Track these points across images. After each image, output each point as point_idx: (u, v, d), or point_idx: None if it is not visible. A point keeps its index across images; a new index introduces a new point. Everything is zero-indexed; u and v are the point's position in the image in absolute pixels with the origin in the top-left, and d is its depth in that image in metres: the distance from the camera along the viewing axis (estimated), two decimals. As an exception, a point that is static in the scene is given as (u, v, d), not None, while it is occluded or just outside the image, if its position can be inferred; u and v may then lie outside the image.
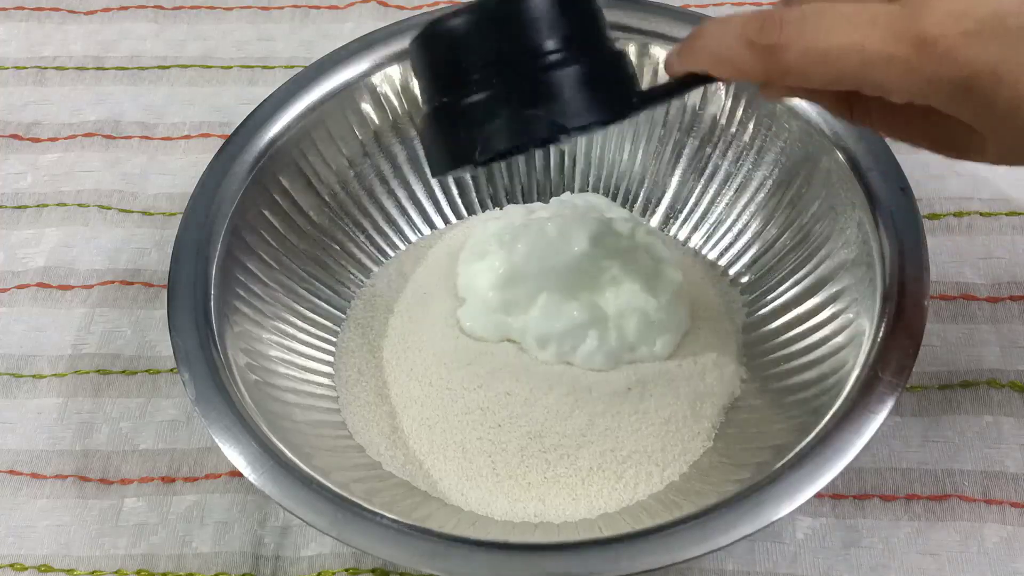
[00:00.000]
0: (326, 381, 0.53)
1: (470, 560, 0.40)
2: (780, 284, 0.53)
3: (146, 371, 0.56)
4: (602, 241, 0.51)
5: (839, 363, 0.46)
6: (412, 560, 0.40)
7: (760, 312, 0.53)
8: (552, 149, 0.59)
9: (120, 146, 0.65)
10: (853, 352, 0.45)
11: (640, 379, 0.49)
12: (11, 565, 0.50)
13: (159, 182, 0.64)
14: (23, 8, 0.73)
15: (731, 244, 0.56)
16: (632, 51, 0.56)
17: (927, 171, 0.60)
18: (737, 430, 0.49)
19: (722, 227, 0.56)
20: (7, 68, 0.70)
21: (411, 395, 0.51)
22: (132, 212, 0.62)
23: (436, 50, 0.40)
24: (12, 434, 0.54)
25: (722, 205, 0.56)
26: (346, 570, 0.50)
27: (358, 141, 0.56)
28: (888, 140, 0.49)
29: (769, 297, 0.53)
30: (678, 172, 0.57)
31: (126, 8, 0.73)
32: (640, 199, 0.58)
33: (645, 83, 0.56)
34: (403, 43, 0.56)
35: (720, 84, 0.54)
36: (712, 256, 0.56)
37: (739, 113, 0.55)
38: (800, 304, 0.51)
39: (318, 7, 0.72)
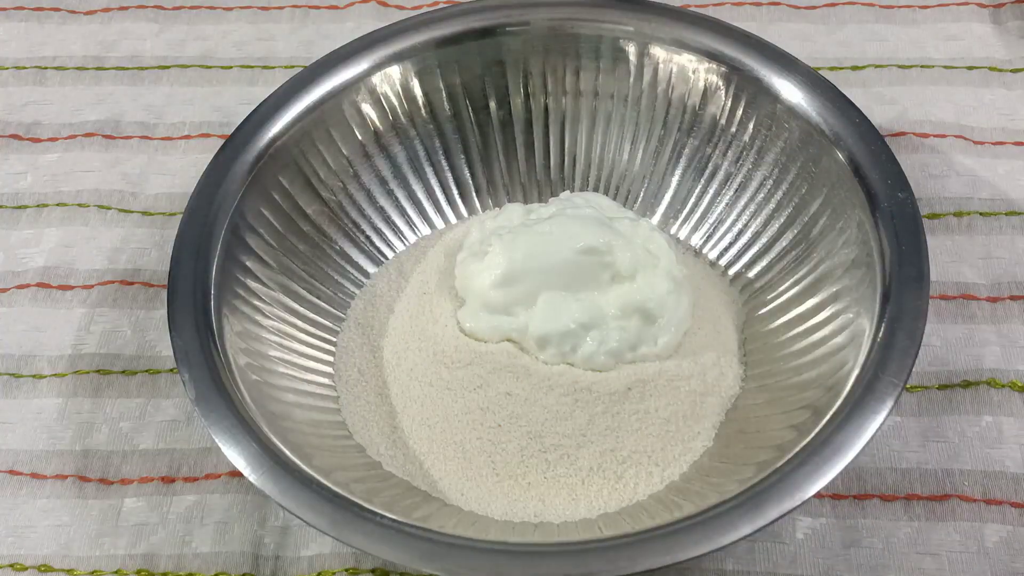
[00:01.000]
0: (326, 381, 0.53)
1: (470, 560, 0.40)
2: (780, 284, 0.53)
3: (146, 371, 0.56)
4: (602, 239, 0.51)
5: (839, 363, 0.46)
6: (412, 560, 0.40)
7: (760, 312, 0.53)
8: (552, 148, 0.59)
9: (120, 146, 0.65)
10: (853, 352, 0.45)
11: (640, 379, 0.49)
12: (11, 565, 0.50)
13: (159, 182, 0.64)
14: (23, 8, 0.73)
15: (731, 244, 0.56)
16: (632, 51, 0.56)
17: (927, 171, 0.60)
18: (737, 430, 0.49)
19: (722, 227, 0.56)
20: (7, 68, 0.70)
21: (411, 395, 0.51)
22: (132, 212, 0.62)
23: None
24: (12, 434, 0.54)
25: (722, 205, 0.56)
26: (346, 570, 0.50)
27: (358, 141, 0.56)
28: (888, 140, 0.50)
29: (769, 297, 0.53)
30: (678, 172, 0.57)
31: (126, 8, 0.73)
32: (640, 199, 0.58)
33: (644, 81, 0.56)
34: (403, 43, 0.56)
35: (720, 84, 0.54)
36: (712, 256, 0.56)
37: (739, 113, 0.55)
38: (800, 304, 0.51)
39: (318, 7, 0.72)
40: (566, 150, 0.59)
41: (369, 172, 0.57)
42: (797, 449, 0.42)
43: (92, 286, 0.59)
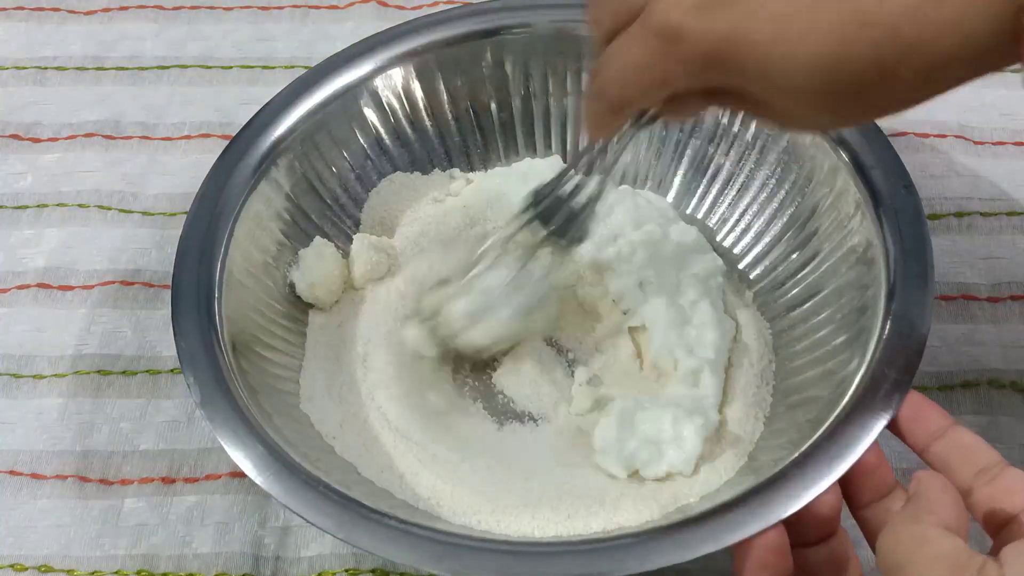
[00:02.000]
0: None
1: (476, 561, 0.40)
2: (784, 282, 0.53)
3: (146, 371, 0.56)
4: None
5: (844, 361, 0.46)
6: (420, 561, 0.40)
7: (764, 310, 0.53)
8: (554, 149, 0.59)
9: (120, 146, 0.65)
10: (859, 351, 0.45)
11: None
12: (11, 566, 0.50)
13: (159, 182, 0.63)
14: (23, 8, 0.73)
15: (734, 244, 0.56)
16: None
17: (927, 171, 0.60)
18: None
19: (725, 227, 0.56)
20: (7, 68, 0.70)
21: (399, 434, 0.50)
22: (132, 212, 0.62)
23: None
24: (12, 434, 0.54)
25: (724, 205, 0.56)
26: (346, 570, 0.50)
27: (360, 143, 0.56)
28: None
29: (773, 295, 0.53)
30: (680, 172, 0.57)
31: (126, 8, 0.73)
32: None
33: None
34: (406, 45, 0.56)
35: None
36: None
37: (741, 113, 0.55)
38: (804, 303, 0.51)
39: (318, 7, 0.72)
40: (567, 151, 0.59)
41: (373, 173, 0.57)
42: (804, 448, 0.42)
43: (92, 286, 0.59)
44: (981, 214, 0.59)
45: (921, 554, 0.34)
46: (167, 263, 0.59)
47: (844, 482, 0.41)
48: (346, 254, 0.55)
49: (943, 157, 0.61)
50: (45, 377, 0.56)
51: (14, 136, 0.66)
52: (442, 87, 0.57)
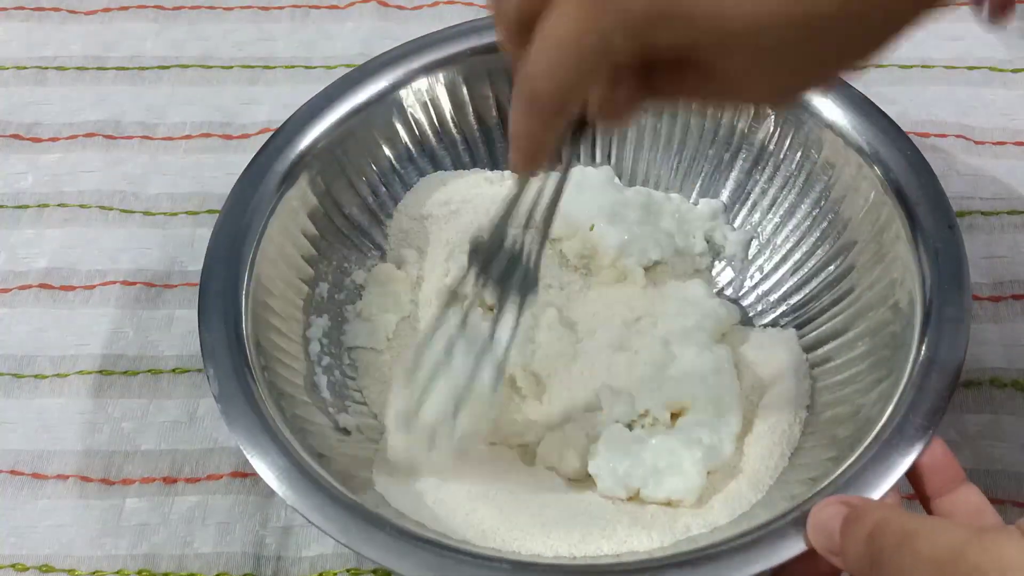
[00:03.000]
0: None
1: (481, 574, 0.40)
2: (819, 315, 0.52)
3: (148, 371, 0.56)
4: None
5: (873, 400, 0.45)
6: (422, 573, 0.40)
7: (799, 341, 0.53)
8: (598, 160, 0.59)
9: (121, 146, 0.65)
10: (887, 391, 0.44)
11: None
12: (12, 565, 0.50)
13: (160, 182, 0.63)
14: (23, 8, 0.73)
15: (772, 271, 0.55)
16: None
17: (928, 171, 0.60)
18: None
19: (763, 255, 0.55)
20: (7, 68, 0.70)
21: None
22: (134, 212, 0.62)
23: None
24: (14, 434, 0.54)
25: (766, 233, 0.55)
26: (347, 570, 0.50)
27: (402, 144, 0.56)
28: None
29: (807, 327, 0.52)
30: (724, 194, 0.57)
31: (126, 8, 0.73)
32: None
33: None
34: (452, 49, 0.56)
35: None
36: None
37: (787, 141, 0.54)
38: (836, 338, 0.50)
39: (318, 7, 0.72)
40: (611, 164, 0.59)
41: (414, 175, 0.57)
42: (826, 483, 0.41)
43: (94, 286, 0.59)
44: (982, 213, 0.59)
45: None
46: (168, 263, 0.60)
47: (912, 476, 0.41)
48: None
49: (944, 156, 0.61)
50: (47, 377, 0.56)
51: (15, 136, 0.66)
52: (489, 92, 0.57)
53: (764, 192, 0.55)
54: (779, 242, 0.55)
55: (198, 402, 0.55)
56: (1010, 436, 0.51)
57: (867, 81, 0.65)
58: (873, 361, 0.47)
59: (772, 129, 0.55)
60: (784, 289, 0.54)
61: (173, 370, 0.56)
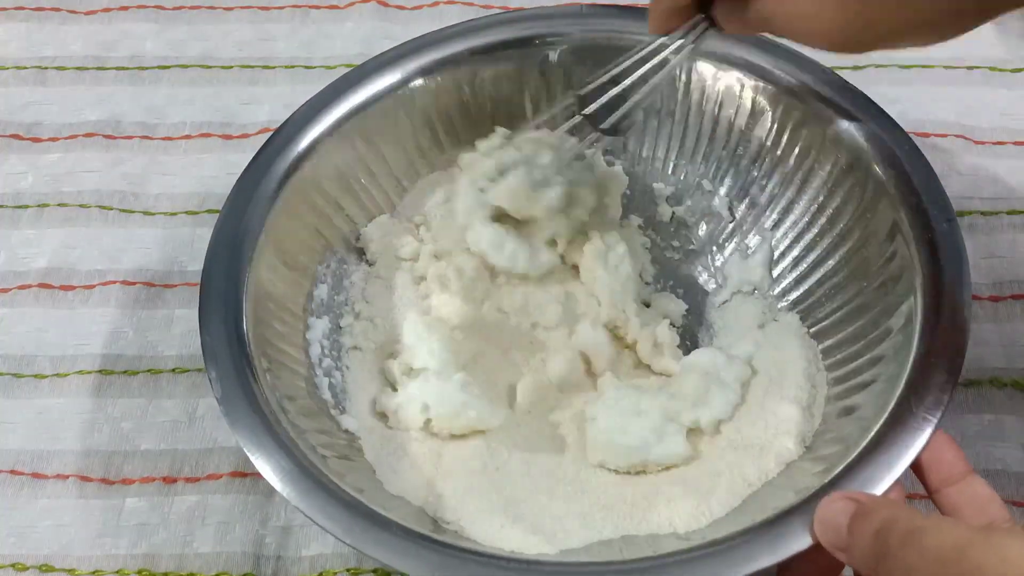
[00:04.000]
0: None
1: (484, 574, 0.40)
2: (819, 311, 0.52)
3: (148, 371, 0.56)
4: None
5: (876, 393, 0.45)
6: (426, 573, 0.40)
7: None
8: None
9: (121, 146, 0.65)
10: (890, 384, 0.44)
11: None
12: (12, 565, 0.50)
13: (160, 182, 0.63)
14: (23, 8, 0.73)
15: (772, 268, 0.55)
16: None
17: (928, 171, 0.60)
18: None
19: (763, 248, 0.55)
20: (7, 68, 0.70)
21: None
22: (133, 212, 0.62)
23: None
24: (13, 434, 0.54)
25: (765, 228, 0.56)
26: (348, 570, 0.50)
27: (401, 146, 0.56)
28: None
29: (808, 323, 0.52)
30: (722, 191, 0.57)
31: (126, 8, 0.73)
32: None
33: (692, 99, 0.56)
34: (448, 50, 0.56)
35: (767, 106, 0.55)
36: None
37: (785, 137, 0.54)
38: (839, 331, 0.50)
39: (318, 7, 0.72)
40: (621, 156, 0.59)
41: (412, 177, 0.57)
42: (829, 479, 0.41)
43: (93, 286, 0.59)
44: (982, 213, 0.59)
45: None
46: (168, 263, 0.60)
47: (917, 467, 0.41)
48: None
49: (944, 156, 0.61)
50: (46, 377, 0.56)
51: (14, 136, 0.66)
52: (484, 92, 0.57)
53: (762, 188, 0.55)
54: (777, 238, 0.55)
55: (198, 402, 0.55)
56: (1010, 436, 0.51)
57: (867, 81, 0.65)
58: (874, 355, 0.47)
59: (770, 126, 0.55)
60: (783, 285, 0.54)
61: (173, 370, 0.56)
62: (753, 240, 0.56)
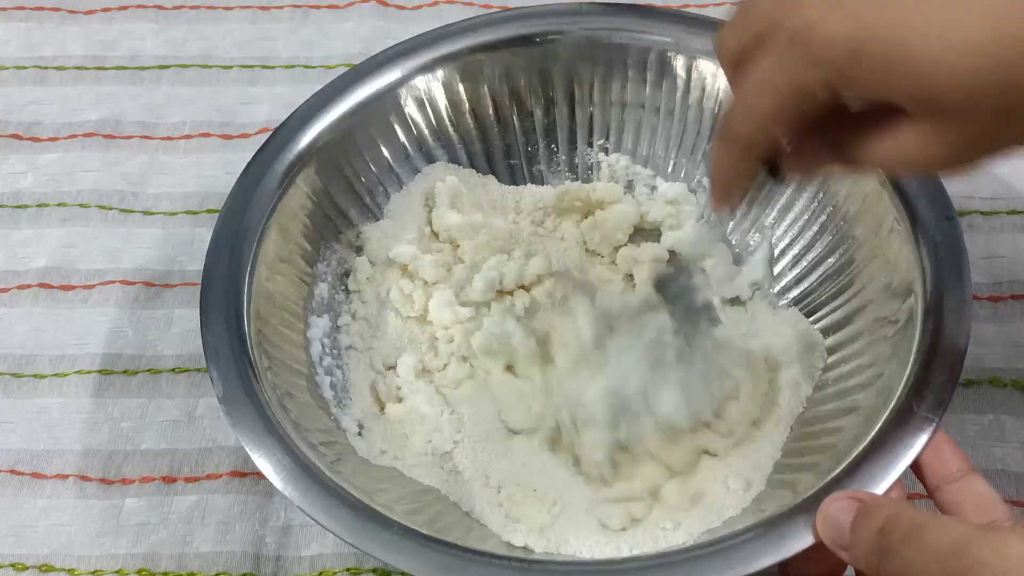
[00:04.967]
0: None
1: (486, 572, 0.40)
2: (821, 308, 0.52)
3: (147, 371, 0.56)
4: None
5: (876, 392, 0.45)
6: (427, 572, 0.40)
7: None
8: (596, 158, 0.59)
9: (120, 146, 0.65)
10: (890, 383, 0.44)
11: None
12: (12, 565, 0.50)
13: (160, 182, 0.63)
14: (23, 8, 0.73)
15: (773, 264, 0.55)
16: (679, 64, 0.56)
17: (928, 170, 0.60)
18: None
19: (763, 246, 0.55)
20: (7, 68, 0.70)
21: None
22: (133, 212, 0.62)
23: None
24: (13, 434, 0.54)
25: (763, 227, 0.56)
26: (347, 570, 0.50)
27: (400, 144, 0.56)
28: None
29: (809, 320, 0.52)
30: None
31: (126, 8, 0.73)
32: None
33: (692, 97, 0.56)
34: (450, 47, 0.56)
35: None
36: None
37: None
38: (840, 329, 0.50)
39: (318, 7, 0.72)
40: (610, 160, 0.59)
41: (410, 175, 0.57)
42: (829, 478, 0.41)
43: (93, 286, 0.59)
44: (981, 213, 0.59)
45: None
46: (168, 262, 0.60)
47: (917, 465, 0.41)
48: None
49: (943, 156, 0.61)
50: (46, 377, 0.56)
51: (14, 136, 0.66)
52: (486, 90, 0.57)
53: (759, 189, 0.55)
54: (778, 236, 0.55)
55: (197, 401, 0.55)
56: (1010, 436, 0.51)
57: (867, 81, 0.65)
58: (875, 353, 0.47)
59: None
60: (784, 283, 0.54)
61: (172, 370, 0.56)
62: (753, 238, 0.56)
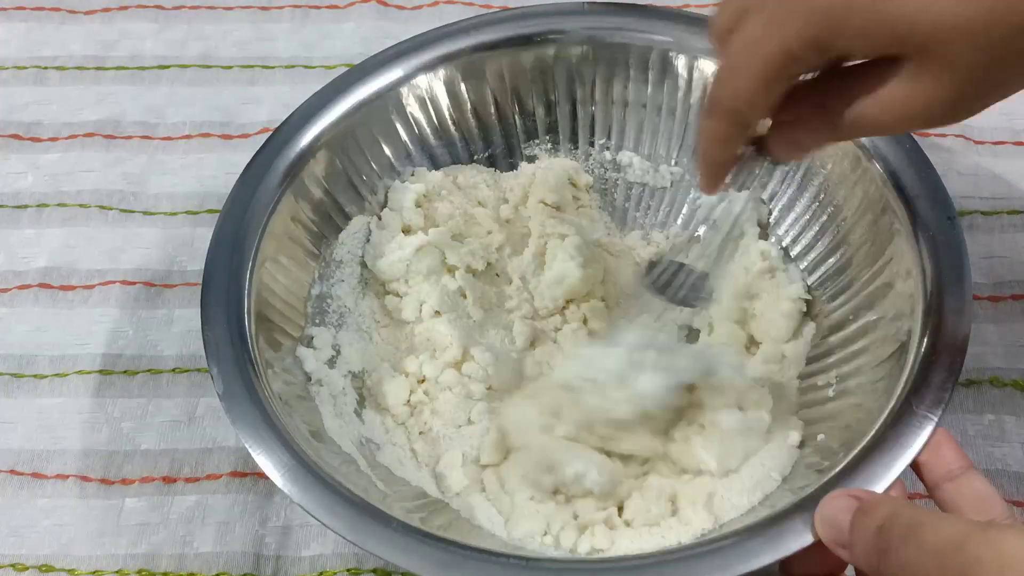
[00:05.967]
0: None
1: (487, 572, 0.40)
2: (820, 307, 0.52)
3: (147, 371, 0.56)
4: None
5: (876, 392, 0.45)
6: (427, 569, 0.40)
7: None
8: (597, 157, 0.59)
9: (120, 146, 0.65)
10: (890, 383, 0.44)
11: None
12: (12, 565, 0.50)
13: (160, 182, 0.63)
14: (23, 8, 0.73)
15: None
16: (681, 64, 0.56)
17: (928, 170, 0.60)
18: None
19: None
20: (7, 68, 0.70)
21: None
22: (133, 212, 0.62)
23: None
24: (13, 434, 0.54)
25: (767, 224, 0.55)
26: (347, 570, 0.50)
27: (402, 142, 0.56)
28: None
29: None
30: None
31: (126, 8, 0.73)
32: (682, 215, 0.58)
33: (694, 97, 0.56)
34: (452, 46, 0.56)
35: None
36: None
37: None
38: (841, 329, 0.50)
39: (318, 7, 0.72)
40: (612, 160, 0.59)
41: (409, 175, 0.57)
42: (829, 477, 0.41)
43: (93, 286, 0.59)
44: (982, 213, 0.59)
45: None
46: (168, 262, 0.60)
47: (914, 464, 0.41)
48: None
49: (943, 156, 0.61)
50: (46, 377, 0.56)
51: (14, 136, 0.66)
52: (488, 89, 0.57)
53: (763, 185, 0.55)
54: (779, 235, 0.55)
55: (197, 402, 0.55)
56: (1010, 436, 0.51)
57: (867, 81, 0.65)
58: (875, 353, 0.47)
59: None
60: None
61: (172, 370, 0.56)
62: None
